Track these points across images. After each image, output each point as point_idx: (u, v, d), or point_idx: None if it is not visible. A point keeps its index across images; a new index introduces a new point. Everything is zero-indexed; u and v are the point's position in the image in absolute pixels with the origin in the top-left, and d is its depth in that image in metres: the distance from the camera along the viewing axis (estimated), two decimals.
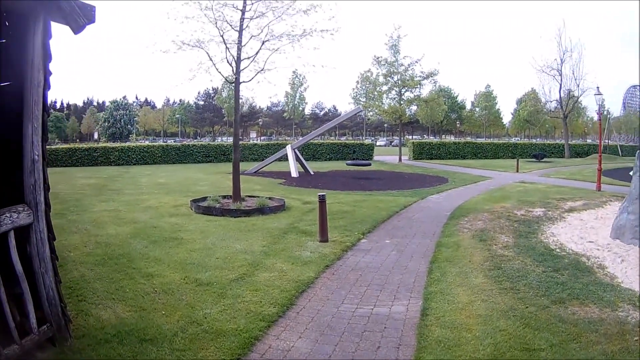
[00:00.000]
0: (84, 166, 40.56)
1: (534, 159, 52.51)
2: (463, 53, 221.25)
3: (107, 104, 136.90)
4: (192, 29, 17.93)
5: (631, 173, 12.92)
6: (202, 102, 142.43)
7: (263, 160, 36.70)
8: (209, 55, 17.50)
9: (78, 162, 41.26)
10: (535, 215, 16.27)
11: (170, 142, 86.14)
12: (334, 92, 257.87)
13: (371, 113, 54.17)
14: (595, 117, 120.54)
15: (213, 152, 46.95)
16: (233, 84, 18.23)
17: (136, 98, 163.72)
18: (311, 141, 46.57)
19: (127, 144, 51.77)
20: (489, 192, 23.41)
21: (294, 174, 30.78)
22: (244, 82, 17.91)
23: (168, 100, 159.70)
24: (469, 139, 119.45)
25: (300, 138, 45.93)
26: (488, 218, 15.77)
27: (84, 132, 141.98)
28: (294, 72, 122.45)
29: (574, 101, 65.52)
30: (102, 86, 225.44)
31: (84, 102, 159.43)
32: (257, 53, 17.73)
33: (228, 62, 17.60)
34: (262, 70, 17.80)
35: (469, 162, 48.46)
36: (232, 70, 17.71)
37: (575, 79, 63.53)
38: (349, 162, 34.09)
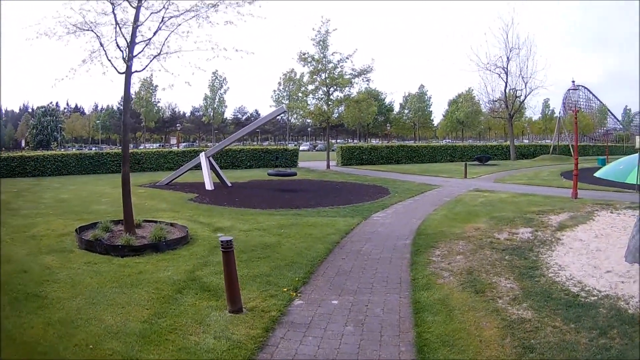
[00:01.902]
0: (2, 177, 36.62)
1: (477, 162, 50.16)
2: (388, 53, 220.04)
3: (30, 109, 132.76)
4: (79, 4, 13.48)
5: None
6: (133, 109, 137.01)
7: (178, 169, 32.36)
8: (100, 41, 13.61)
9: None
10: (523, 238, 13.11)
11: (86, 150, 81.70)
12: (256, 96, 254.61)
13: (295, 116, 50.20)
14: (535, 117, 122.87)
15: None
16: (129, 75, 13.94)
17: (67, 104, 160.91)
18: (230, 147, 43.58)
19: (42, 152, 47.14)
20: (447, 207, 19.97)
21: (209, 186, 26.80)
22: (136, 71, 14.07)
23: (96, 106, 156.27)
24: (394, 142, 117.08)
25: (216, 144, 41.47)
26: (467, 249, 12.18)
27: (19, 140, 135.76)
28: (213, 73, 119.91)
29: (521, 100, 64.16)
30: (40, 91, 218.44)
31: (20, 108, 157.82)
32: (155, 33, 13.90)
33: (118, 46, 13.58)
34: (158, 54, 14.04)
35: (405, 168, 44.98)
36: (123, 57, 13.62)
37: (523, 77, 62.27)
38: (270, 171, 29.68)
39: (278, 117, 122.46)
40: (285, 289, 9.17)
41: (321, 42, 42.58)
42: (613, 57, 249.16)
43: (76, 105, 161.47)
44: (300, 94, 49.07)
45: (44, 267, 10.84)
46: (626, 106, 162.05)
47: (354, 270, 10.63)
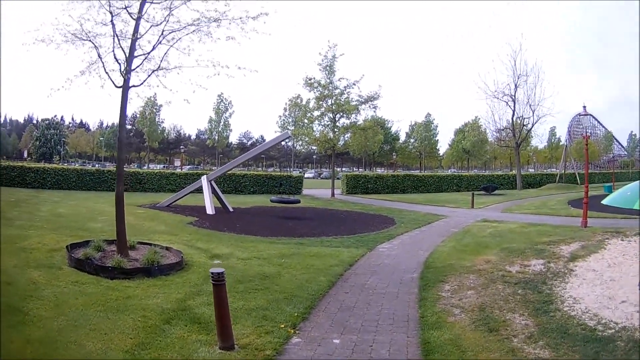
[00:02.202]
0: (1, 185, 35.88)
1: (483, 192, 49.18)
2: (394, 81, 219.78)
3: (35, 121, 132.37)
4: (79, 13, 12.94)
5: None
6: (129, 126, 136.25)
7: (180, 191, 31.58)
8: (98, 52, 12.98)
9: None
10: (535, 270, 12.36)
11: (89, 166, 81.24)
12: (262, 121, 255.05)
13: (300, 143, 49.23)
14: (540, 146, 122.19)
15: (128, 180, 41.38)
16: (131, 89, 13.36)
17: (72, 119, 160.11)
18: (233, 172, 43.19)
19: (43, 165, 47.78)
20: (455, 238, 19.14)
21: (210, 210, 26.01)
22: (134, 86, 13.37)
23: (101, 123, 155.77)
24: (400, 171, 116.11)
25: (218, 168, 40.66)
26: (478, 283, 11.48)
27: (22, 150, 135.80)
28: (219, 96, 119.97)
29: (528, 129, 63.18)
30: (44, 103, 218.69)
31: (24, 119, 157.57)
32: (154, 47, 13.32)
33: (116, 58, 13.02)
34: (157, 69, 13.41)
35: (411, 197, 43.85)
36: (120, 70, 13.00)
37: (530, 105, 61.26)
38: (273, 198, 29.05)
39: (283, 144, 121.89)
40: (283, 325, 8.42)
41: (328, 67, 41.88)
42: (615, 82, 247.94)
43: (81, 121, 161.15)
44: (305, 120, 48.34)
45: (29, 281, 10.32)
46: (631, 132, 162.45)
47: (358, 306, 9.88)
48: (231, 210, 27.90)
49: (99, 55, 12.94)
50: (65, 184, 39.24)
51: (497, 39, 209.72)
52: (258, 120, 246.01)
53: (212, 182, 28.30)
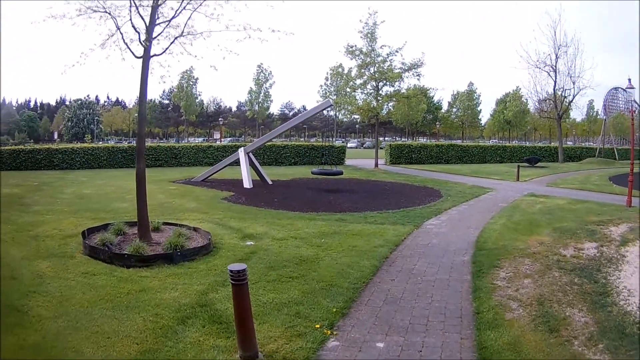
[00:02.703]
0: (27, 169, 36.34)
1: (526, 164, 47.44)
2: (436, 49, 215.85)
3: (67, 102, 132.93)
4: None
5: None
6: (166, 101, 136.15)
7: (215, 164, 30.62)
8: (116, 23, 11.94)
9: (22, 166, 36.93)
10: (589, 255, 11.31)
11: (116, 143, 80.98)
12: (303, 92, 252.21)
13: (342, 112, 47.69)
14: (578, 118, 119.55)
15: (163, 155, 41.29)
16: (147, 59, 12.18)
17: (107, 97, 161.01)
18: (274, 143, 42.36)
19: (72, 145, 46.74)
20: (505, 214, 17.85)
21: (247, 184, 25.03)
22: (155, 55, 12.21)
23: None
24: (442, 141, 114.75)
25: (253, 139, 39.49)
26: (534, 269, 10.31)
27: (60, 132, 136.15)
28: (258, 66, 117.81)
29: (569, 100, 60.68)
30: (76, 84, 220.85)
31: (56, 102, 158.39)
32: (177, 12, 12.13)
33: (134, 27, 11.91)
34: (180, 35, 12.25)
35: (455, 168, 42.41)
36: (140, 39, 11.95)
37: (571, 76, 58.56)
38: (315, 170, 27.27)
39: (326, 114, 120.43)
40: (319, 325, 7.17)
41: (369, 35, 40.31)
42: None
43: (117, 99, 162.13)
44: (348, 89, 46.86)
45: (35, 274, 9.48)
46: None
47: (405, 297, 8.62)
48: (270, 183, 27.02)
49: (117, 26, 11.97)
50: (95, 163, 38.87)
51: (538, 7, 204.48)
52: (300, 91, 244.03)
53: (250, 155, 27.28)
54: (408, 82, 43.88)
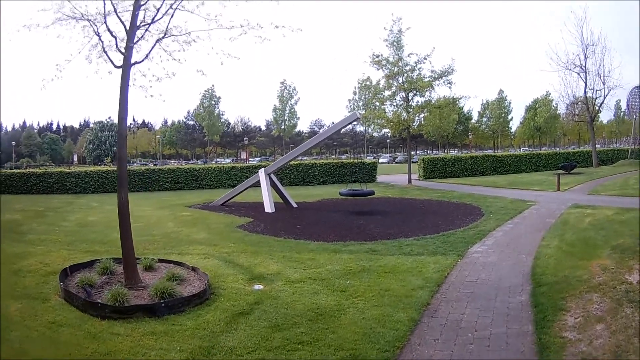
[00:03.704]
0: (39, 193, 36.69)
1: (562, 171, 44.86)
2: (462, 58, 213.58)
3: (91, 124, 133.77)
4: None
5: None
6: (191, 122, 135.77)
7: (235, 187, 28.78)
8: (95, 29, 10.61)
9: (34, 189, 37.41)
10: None
11: (141, 165, 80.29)
12: (333, 108, 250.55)
13: (372, 127, 45.57)
14: (605, 120, 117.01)
15: (183, 177, 40.17)
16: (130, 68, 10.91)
17: (133, 120, 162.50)
18: (300, 162, 40.94)
19: (84, 168, 47.72)
20: (556, 233, 15.80)
21: (268, 208, 23.15)
22: (136, 62, 10.79)
23: (165, 122, 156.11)
24: (474, 152, 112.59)
25: (279, 158, 37.44)
26: (604, 307, 8.32)
27: (80, 155, 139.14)
28: (282, 82, 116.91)
29: (600, 102, 58.86)
30: (100, 108, 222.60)
31: (80, 124, 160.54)
32: (158, 11, 10.77)
33: (110, 32, 10.54)
34: (164, 36, 10.81)
35: (491, 180, 40.26)
36: (116, 44, 10.56)
37: (600, 76, 56.96)
38: (343, 190, 25.04)
39: (356, 129, 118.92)
40: None
41: (395, 43, 38.29)
42: None
43: (143, 121, 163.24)
44: (377, 103, 44.31)
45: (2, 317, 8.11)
46: None
47: None
48: (295, 206, 25.16)
49: (97, 33, 10.60)
50: (110, 187, 37.69)
51: (562, 6, 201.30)
52: (328, 107, 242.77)
53: (272, 176, 25.41)
54: (439, 91, 41.69)
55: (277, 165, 27.00)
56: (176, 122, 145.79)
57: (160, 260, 11.84)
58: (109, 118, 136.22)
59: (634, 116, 66.42)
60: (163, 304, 8.72)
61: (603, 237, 14.06)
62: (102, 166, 61.11)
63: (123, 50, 10.51)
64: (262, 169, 25.83)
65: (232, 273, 11.44)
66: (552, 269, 11.10)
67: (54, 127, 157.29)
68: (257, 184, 25.61)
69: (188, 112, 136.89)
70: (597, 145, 65.17)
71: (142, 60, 10.81)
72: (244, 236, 16.67)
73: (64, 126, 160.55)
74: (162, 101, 11.56)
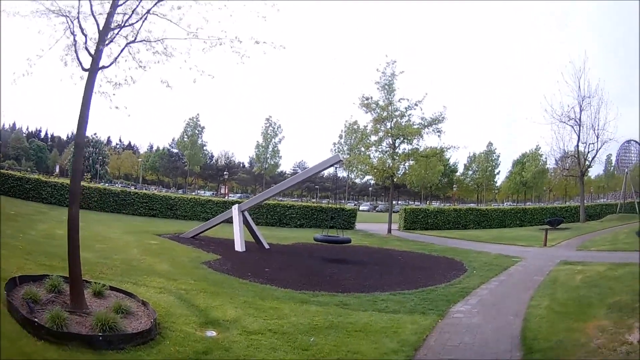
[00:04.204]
0: (15, 197, 34.90)
1: (548, 226, 43.65)
2: (452, 108, 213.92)
3: (69, 137, 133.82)
4: None
5: None
6: (175, 150, 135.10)
7: (207, 221, 27.63)
8: (71, 28, 10.15)
9: (9, 192, 35.36)
10: None
11: (124, 187, 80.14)
12: (318, 151, 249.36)
13: (355, 172, 44.43)
14: (594, 174, 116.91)
15: (158, 204, 39.38)
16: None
17: (120, 140, 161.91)
18: (279, 202, 40.48)
19: (62, 180, 45.55)
20: (546, 292, 14.61)
21: (238, 246, 21.88)
22: (103, 67, 10.24)
23: (151, 147, 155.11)
24: (457, 205, 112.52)
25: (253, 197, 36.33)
26: None
27: (63, 167, 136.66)
28: (267, 119, 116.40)
29: (593, 155, 58.45)
30: (93, 123, 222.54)
31: (67, 136, 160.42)
32: (133, 12, 10.33)
33: (82, 30, 10.06)
34: (134, 39, 10.42)
35: (475, 234, 39.15)
36: (85, 43, 10.16)
37: (594, 129, 56.68)
38: (318, 236, 23.57)
39: (338, 174, 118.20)
40: None
41: (386, 86, 37.22)
42: None
43: (129, 143, 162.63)
44: (362, 148, 42.90)
45: None
46: None
47: None
48: (267, 247, 23.99)
49: (72, 31, 10.12)
50: (84, 203, 35.81)
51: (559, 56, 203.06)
52: (313, 150, 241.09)
53: (246, 213, 24.25)
54: (427, 139, 40.71)
55: (252, 203, 26.07)
56: (161, 149, 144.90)
57: (112, 288, 10.79)
58: (95, 134, 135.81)
59: (625, 170, 66.46)
60: (101, 338, 7.86)
61: (597, 295, 13.16)
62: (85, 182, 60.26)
63: (92, 52, 9.95)
64: (236, 205, 24.83)
65: (185, 314, 10.34)
66: (545, 332, 10.04)
67: (42, 134, 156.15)
68: (230, 220, 24.45)
69: (173, 140, 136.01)
70: (584, 201, 65.15)
71: (110, 65, 10.23)
72: (208, 274, 15.69)
73: (52, 135, 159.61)
74: (127, 115, 10.67)
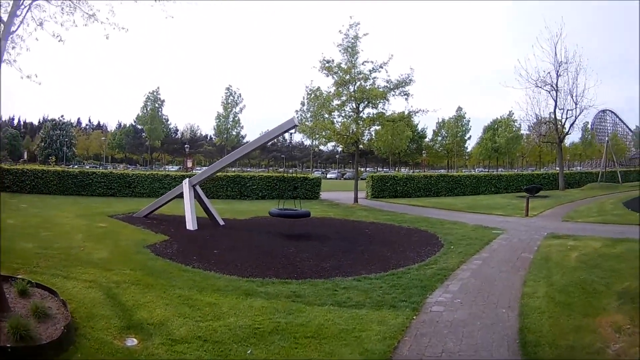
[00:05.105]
0: None
1: (526, 194, 42.26)
2: (422, 71, 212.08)
3: (40, 122, 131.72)
4: None
5: None
6: (140, 126, 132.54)
7: (159, 198, 25.20)
8: None
9: None
10: None
11: (91, 167, 77.75)
12: (282, 119, 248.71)
13: (320, 139, 42.33)
14: (568, 142, 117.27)
15: (116, 183, 37.33)
16: None
17: (89, 121, 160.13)
18: (238, 174, 39.02)
19: (21, 166, 45.02)
20: (540, 274, 12.48)
21: (190, 225, 19.86)
22: (13, 32, 9.83)
23: (120, 124, 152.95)
24: (428, 171, 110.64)
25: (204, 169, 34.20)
26: None
27: (29, 152, 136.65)
28: (227, 88, 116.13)
29: (572, 121, 57.57)
30: (64, 105, 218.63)
31: (39, 121, 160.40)
32: None
33: None
34: None
35: (448, 202, 37.24)
36: None
37: (572, 96, 55.86)
38: (273, 210, 21.14)
39: (305, 143, 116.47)
40: None
41: (349, 49, 35.30)
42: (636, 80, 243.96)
43: (99, 123, 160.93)
44: (326, 115, 40.19)
45: None
46: None
47: None
48: (222, 223, 21.88)
49: None
50: (45, 188, 35.41)
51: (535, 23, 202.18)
52: (279, 120, 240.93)
53: (197, 187, 22.23)
54: (394, 103, 38.87)
55: (203, 176, 23.74)
56: (127, 125, 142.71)
57: (37, 285, 9.23)
58: (62, 116, 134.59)
59: (606, 139, 65.97)
60: (10, 349, 6.43)
61: (601, 280, 11.53)
62: (46, 165, 58.10)
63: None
64: (187, 179, 22.64)
65: (107, 315, 8.44)
66: (549, 333, 8.07)
67: (15, 122, 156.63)
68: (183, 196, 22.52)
69: (138, 116, 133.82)
70: (557, 168, 64.24)
71: (18, 27, 9.92)
72: (147, 260, 13.61)
73: (24, 122, 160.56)
74: (37, 84, 9.23)
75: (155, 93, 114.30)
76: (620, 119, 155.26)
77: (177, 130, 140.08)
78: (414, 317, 9.02)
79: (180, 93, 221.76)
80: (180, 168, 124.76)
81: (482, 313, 9.27)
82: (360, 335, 7.97)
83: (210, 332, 7.89)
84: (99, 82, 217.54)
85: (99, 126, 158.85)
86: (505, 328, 8.42)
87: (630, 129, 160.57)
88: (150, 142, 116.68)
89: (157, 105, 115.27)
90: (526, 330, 8.23)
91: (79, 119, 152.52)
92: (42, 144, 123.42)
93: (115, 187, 36.95)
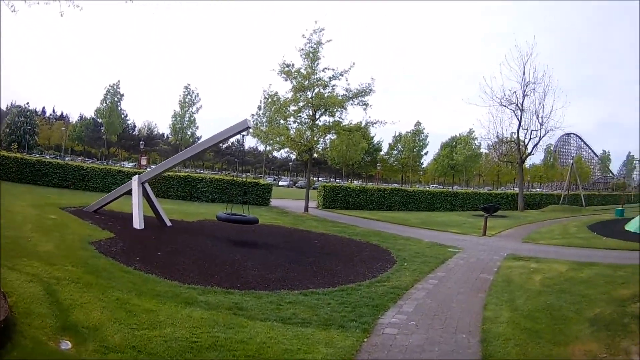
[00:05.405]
0: None
1: (483, 213, 42.65)
2: (383, 84, 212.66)
3: (8, 108, 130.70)
4: None
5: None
6: (100, 120, 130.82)
7: (108, 194, 24.44)
8: None
9: None
10: None
11: (52, 158, 77.02)
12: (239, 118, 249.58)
13: (274, 145, 41.83)
14: (529, 164, 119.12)
15: (70, 175, 36.70)
16: None
17: (53, 111, 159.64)
18: (189, 174, 38.77)
19: None
20: (502, 297, 12.08)
21: (137, 223, 19.35)
22: None
23: (81, 116, 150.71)
24: (382, 184, 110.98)
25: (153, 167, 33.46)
26: None
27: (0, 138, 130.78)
28: (185, 87, 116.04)
29: (536, 142, 58.33)
30: (31, 92, 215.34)
31: (6, 107, 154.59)
32: None
33: None
34: None
35: (400, 217, 37.00)
36: None
37: (538, 117, 56.65)
38: (221, 214, 20.65)
39: (259, 148, 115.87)
40: None
41: (311, 54, 34.89)
42: (604, 105, 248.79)
43: (62, 113, 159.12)
44: (282, 121, 40.01)
45: None
46: (629, 152, 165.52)
47: None
48: (169, 224, 21.47)
49: None
50: (4, 175, 33.95)
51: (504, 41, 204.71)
52: (235, 120, 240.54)
53: (146, 185, 21.66)
54: (352, 113, 38.57)
55: (153, 173, 23.34)
56: (86, 118, 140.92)
57: None
58: (27, 104, 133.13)
59: (571, 162, 67.11)
60: None
61: (571, 305, 11.06)
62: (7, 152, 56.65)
63: None
64: (137, 176, 22.04)
65: (44, 313, 7.86)
66: None
67: None
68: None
69: (97, 109, 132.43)
70: (516, 189, 64.80)
71: None
72: (90, 257, 12.99)
73: None
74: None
75: (115, 86, 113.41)
76: (585, 143, 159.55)
77: (135, 126, 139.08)
78: (365, 340, 8.49)
79: (141, 88, 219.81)
80: (134, 165, 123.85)
81: (440, 338, 8.74)
82: (306, 357, 7.44)
83: (145, 342, 7.36)
84: (65, 72, 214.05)
85: (62, 117, 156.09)
86: (466, 355, 7.90)
87: (595, 154, 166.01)
88: (108, 136, 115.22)
89: (116, 99, 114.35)
90: (490, 358, 7.75)
91: (43, 107, 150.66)
92: (7, 129, 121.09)
93: (70, 179, 36.42)
